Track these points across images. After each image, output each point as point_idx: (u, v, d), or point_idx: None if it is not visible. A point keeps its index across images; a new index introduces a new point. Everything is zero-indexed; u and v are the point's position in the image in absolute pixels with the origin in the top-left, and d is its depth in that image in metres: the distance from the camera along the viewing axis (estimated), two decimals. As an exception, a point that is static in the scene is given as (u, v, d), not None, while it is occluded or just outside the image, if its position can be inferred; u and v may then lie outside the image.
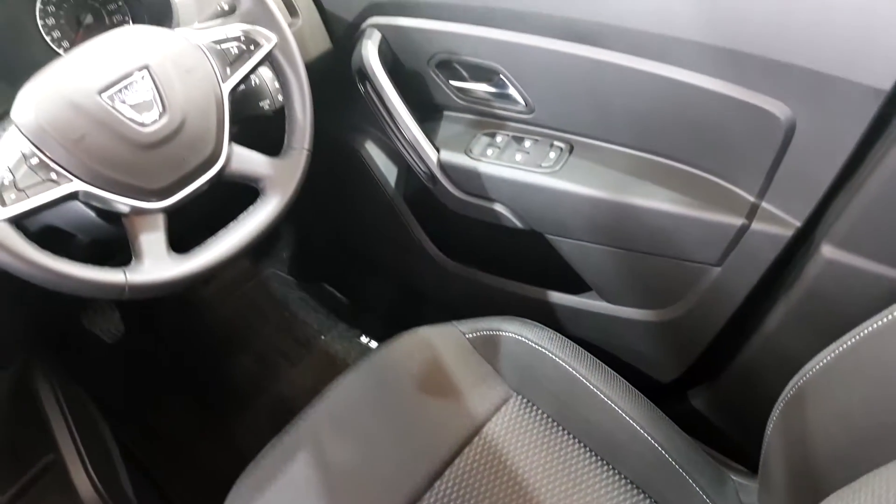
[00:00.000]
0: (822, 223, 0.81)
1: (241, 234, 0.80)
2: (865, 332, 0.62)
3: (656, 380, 1.13)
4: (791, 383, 0.71)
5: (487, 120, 1.08)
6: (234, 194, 0.86)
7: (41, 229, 0.82)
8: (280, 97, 0.94)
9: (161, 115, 0.74)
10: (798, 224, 0.82)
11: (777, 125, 0.76)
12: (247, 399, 1.52)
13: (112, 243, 0.81)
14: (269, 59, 0.84)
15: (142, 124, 0.72)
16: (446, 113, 1.13)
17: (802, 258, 0.83)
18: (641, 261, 0.97)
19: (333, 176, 1.34)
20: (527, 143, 1.02)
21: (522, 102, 1.00)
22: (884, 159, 0.70)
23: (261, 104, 0.94)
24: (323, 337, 1.65)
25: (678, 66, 0.80)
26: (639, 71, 0.83)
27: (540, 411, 0.94)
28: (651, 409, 0.94)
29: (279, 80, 0.87)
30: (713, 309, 0.97)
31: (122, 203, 0.72)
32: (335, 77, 1.12)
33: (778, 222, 0.83)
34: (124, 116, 0.72)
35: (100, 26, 0.99)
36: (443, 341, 1.01)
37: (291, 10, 1.07)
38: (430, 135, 1.09)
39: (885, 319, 0.60)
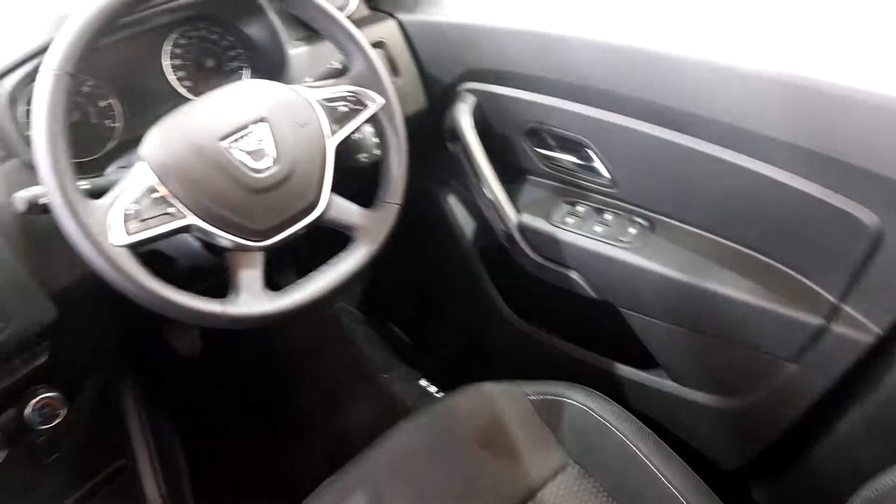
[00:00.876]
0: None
1: (331, 278, 0.85)
2: None
3: (718, 466, 1.11)
4: (860, 494, 0.69)
5: (570, 189, 1.11)
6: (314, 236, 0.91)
7: (149, 252, 0.89)
8: (377, 151, 1.00)
9: (273, 164, 0.80)
10: (879, 332, 0.81)
11: (863, 231, 0.76)
12: (308, 428, 1.57)
13: (208, 271, 0.87)
14: (372, 119, 0.90)
15: (255, 170, 0.79)
16: (530, 178, 1.17)
17: (882, 366, 0.82)
18: (714, 346, 0.97)
19: (414, 222, 1.39)
20: (607, 216, 1.05)
21: (607, 176, 1.03)
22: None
23: (359, 157, 0.99)
24: (385, 375, 1.68)
25: (768, 163, 0.82)
26: (727, 162, 0.84)
27: (596, 483, 0.94)
28: (709, 496, 0.93)
29: (380, 139, 0.92)
30: (784, 404, 0.95)
31: (228, 239, 0.78)
32: (427, 132, 1.17)
33: (858, 327, 0.82)
34: (240, 162, 0.78)
35: (219, 70, 1.08)
36: (506, 400, 1.03)
37: (395, 70, 1.14)
38: (513, 197, 1.13)
39: None
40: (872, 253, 0.77)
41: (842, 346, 0.84)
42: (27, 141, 0.84)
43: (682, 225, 0.99)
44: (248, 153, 0.79)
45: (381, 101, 0.89)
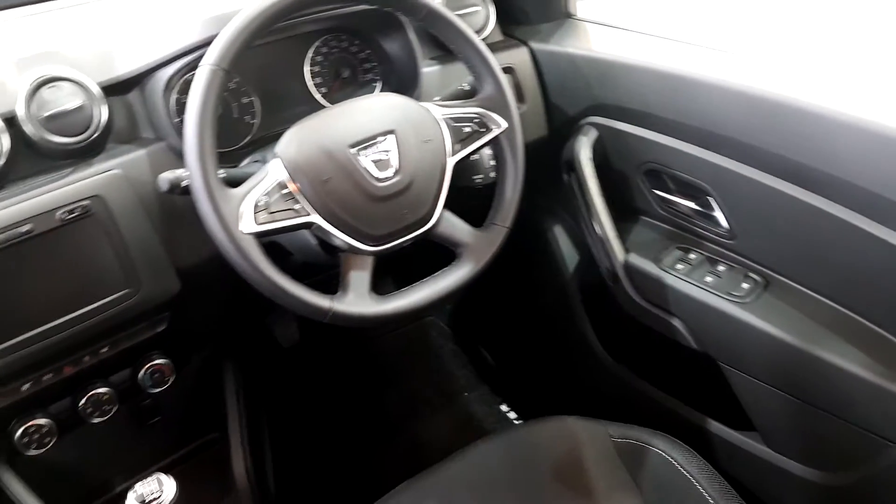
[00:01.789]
0: None
1: (434, 290, 0.88)
2: None
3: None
4: None
5: (684, 235, 1.09)
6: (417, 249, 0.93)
7: (269, 243, 0.95)
8: (492, 174, 1.02)
9: (395, 175, 0.83)
10: None
11: None
12: (387, 432, 1.60)
13: (318, 268, 0.92)
14: (493, 142, 0.92)
15: (378, 179, 0.83)
16: (642, 218, 1.15)
17: None
18: (818, 417, 0.92)
19: (515, 247, 1.40)
20: (720, 267, 1.02)
21: (725, 226, 1.00)
22: None
23: (474, 178, 1.02)
24: (466, 394, 1.69)
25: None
26: (859, 228, 0.80)
27: (671, 539, 0.91)
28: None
29: (498, 162, 0.94)
30: (887, 488, 0.89)
31: (343, 241, 0.82)
32: (543, 161, 1.18)
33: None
34: (365, 170, 0.82)
35: (354, 80, 1.14)
36: (588, 437, 1.01)
37: (520, 96, 1.16)
38: (622, 235, 1.12)
39: None
40: None
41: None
42: (175, 127, 0.93)
43: (799, 286, 0.95)
44: (374, 162, 0.83)
45: (504, 125, 0.91)
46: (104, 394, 0.95)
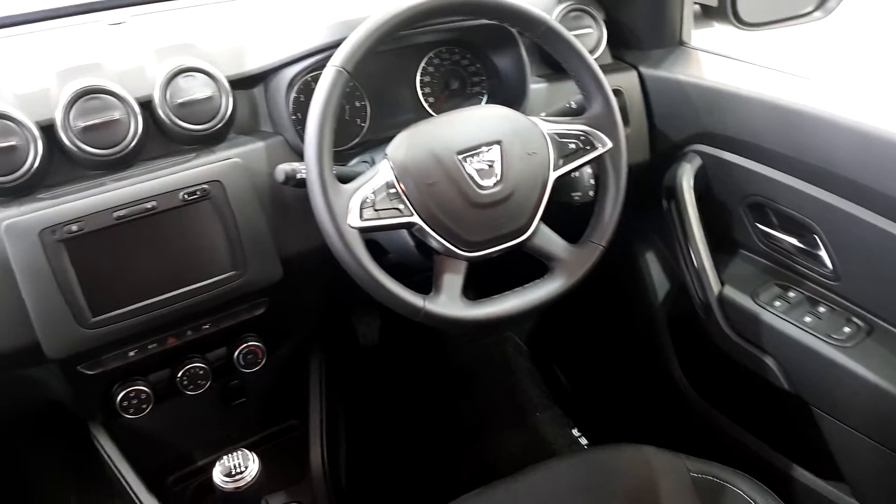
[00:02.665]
0: None
1: (524, 300, 0.89)
2: None
3: None
4: None
5: (784, 272, 1.05)
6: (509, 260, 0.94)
7: (368, 240, 0.98)
8: (591, 193, 1.02)
9: (496, 184, 0.85)
10: None
11: None
12: (457, 442, 1.61)
13: (412, 269, 0.94)
14: (597, 161, 0.92)
15: (480, 186, 0.85)
16: (741, 251, 1.13)
17: None
18: (918, 477, 0.88)
19: (603, 268, 1.39)
20: (821, 308, 0.98)
21: (830, 267, 0.97)
22: None
23: (573, 194, 1.02)
24: (538, 413, 1.68)
25: None
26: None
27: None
28: None
29: (599, 181, 0.95)
30: None
31: (441, 243, 0.85)
32: (642, 185, 1.17)
33: None
34: (469, 176, 0.85)
35: (462, 93, 1.17)
36: (665, 469, 0.99)
37: (625, 119, 1.16)
38: (718, 266, 1.10)
39: None
40: None
41: None
42: (293, 123, 0.98)
43: None
44: (478, 170, 0.85)
45: (609, 144, 0.92)
46: (200, 368, 1.00)
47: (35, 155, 0.85)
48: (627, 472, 0.99)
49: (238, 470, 0.86)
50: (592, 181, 1.02)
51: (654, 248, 1.26)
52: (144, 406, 0.99)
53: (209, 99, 0.93)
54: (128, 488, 1.05)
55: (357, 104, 1.10)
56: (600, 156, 0.92)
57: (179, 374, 1.00)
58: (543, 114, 0.98)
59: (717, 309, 1.08)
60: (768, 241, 1.05)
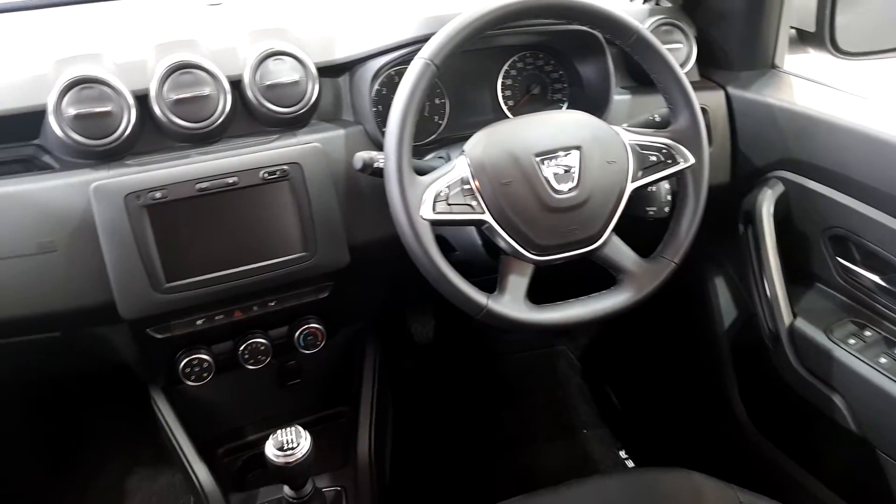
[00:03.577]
0: None
1: (588, 310, 0.87)
2: None
3: None
4: None
5: (862, 309, 1.01)
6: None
7: (436, 235, 0.99)
8: (666, 209, 1.00)
9: (572, 189, 0.85)
10: None
11: None
12: (499, 449, 1.60)
13: (477, 268, 0.94)
14: (678, 176, 0.91)
15: (556, 190, 0.84)
16: (817, 284, 1.08)
17: None
18: None
19: (667, 290, 1.36)
20: (899, 351, 0.93)
21: (913, 309, 0.92)
22: None
23: (647, 209, 1.00)
24: (585, 431, 1.66)
25: None
26: None
27: None
28: None
29: (678, 197, 0.93)
30: None
31: (509, 244, 0.84)
32: (718, 208, 1.14)
33: None
34: (545, 179, 0.84)
35: (542, 98, 1.17)
36: (715, 498, 0.95)
37: (708, 139, 1.12)
38: (792, 298, 1.06)
39: None
40: None
41: None
42: (374, 114, 0.99)
43: None
44: (555, 174, 0.85)
45: (692, 160, 0.90)
46: (261, 344, 1.03)
47: (128, 122, 0.88)
48: (675, 496, 0.96)
49: (290, 445, 0.87)
50: (669, 197, 1.00)
51: (723, 272, 1.23)
52: (206, 375, 1.01)
53: (296, 83, 0.95)
54: (181, 454, 1.08)
55: (437, 101, 1.11)
56: (682, 171, 0.90)
57: (241, 348, 1.02)
58: (625, 124, 0.97)
59: (787, 341, 1.04)
60: (848, 276, 1.01)
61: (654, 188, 1.01)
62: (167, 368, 1.02)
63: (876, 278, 0.97)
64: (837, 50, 1.08)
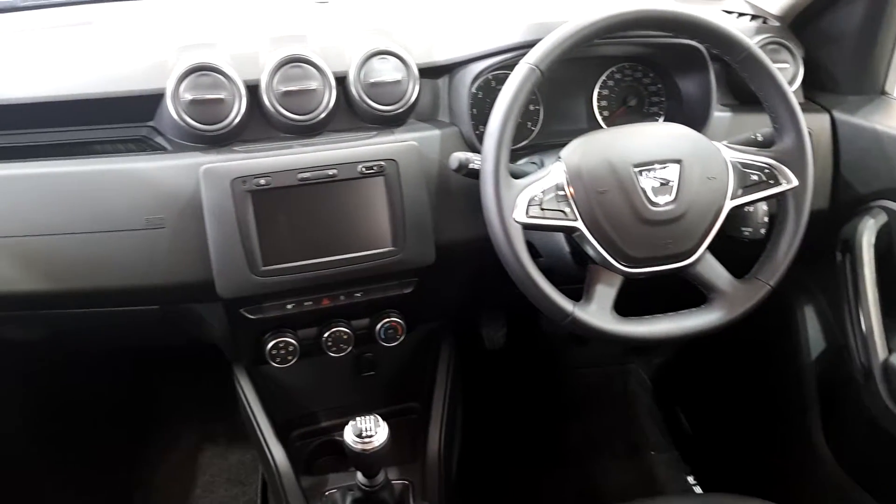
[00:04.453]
0: None
1: (676, 326, 0.86)
2: None
3: None
4: None
5: None
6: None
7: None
8: (762, 231, 0.98)
9: (670, 203, 0.84)
10: None
11: None
12: (563, 462, 1.59)
13: (563, 276, 0.94)
14: (778, 197, 0.88)
15: (652, 203, 0.84)
16: (918, 320, 1.03)
17: None
18: None
19: (753, 315, 1.32)
20: None
21: None
22: None
23: (743, 229, 0.98)
24: (653, 453, 1.62)
25: None
26: None
27: None
28: None
29: (777, 219, 0.90)
30: None
31: (599, 253, 0.84)
32: (815, 235, 1.11)
33: None
34: (643, 190, 0.84)
35: (638, 111, 1.16)
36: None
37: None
38: (888, 333, 1.01)
39: None
40: None
41: None
42: (470, 117, 1.01)
43: None
44: (653, 186, 0.84)
45: (795, 182, 0.87)
46: (345, 333, 1.06)
47: (238, 110, 0.93)
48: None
49: (368, 433, 0.89)
50: (766, 219, 0.97)
51: (814, 301, 1.19)
52: (290, 358, 1.05)
53: (398, 83, 0.98)
54: (259, 433, 1.11)
55: (531, 108, 1.11)
56: (784, 193, 0.88)
57: (326, 335, 1.05)
58: (726, 141, 0.95)
59: (880, 377, 1.00)
60: (952, 315, 0.96)
61: (751, 208, 0.99)
62: (254, 349, 1.06)
63: (983, 319, 0.92)
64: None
